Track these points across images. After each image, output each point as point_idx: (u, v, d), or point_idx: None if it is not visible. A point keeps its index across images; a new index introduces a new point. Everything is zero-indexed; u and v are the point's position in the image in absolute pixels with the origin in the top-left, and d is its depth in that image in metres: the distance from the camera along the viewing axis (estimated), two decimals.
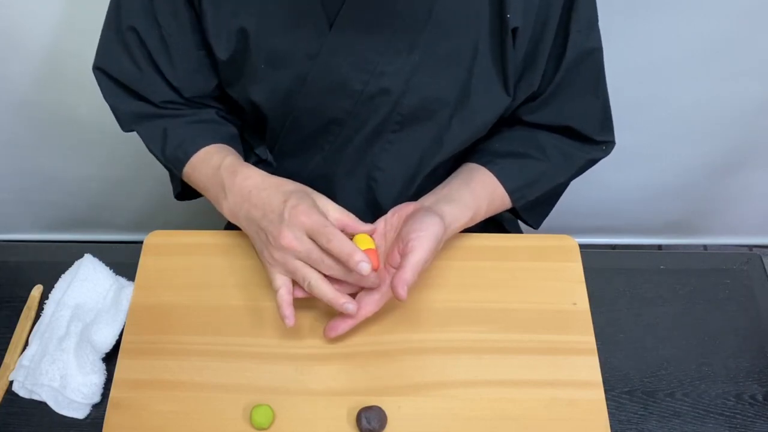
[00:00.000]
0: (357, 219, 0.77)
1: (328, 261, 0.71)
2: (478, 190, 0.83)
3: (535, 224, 0.96)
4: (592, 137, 0.87)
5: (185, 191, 0.94)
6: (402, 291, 0.70)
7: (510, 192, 0.85)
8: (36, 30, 1.11)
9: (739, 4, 1.08)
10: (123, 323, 0.78)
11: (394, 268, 0.74)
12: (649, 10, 1.09)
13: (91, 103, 0.99)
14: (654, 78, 1.20)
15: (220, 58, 0.80)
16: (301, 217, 0.71)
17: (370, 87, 0.79)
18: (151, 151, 0.87)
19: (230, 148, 0.85)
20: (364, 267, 0.68)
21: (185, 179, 0.86)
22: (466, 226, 0.81)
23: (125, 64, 0.82)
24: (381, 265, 0.76)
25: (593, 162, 0.90)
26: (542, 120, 0.86)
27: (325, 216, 0.73)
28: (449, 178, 0.87)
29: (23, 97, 1.23)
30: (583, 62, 0.81)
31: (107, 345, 0.77)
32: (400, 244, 0.74)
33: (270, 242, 0.73)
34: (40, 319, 0.81)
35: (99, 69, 0.85)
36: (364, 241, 0.77)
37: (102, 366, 0.76)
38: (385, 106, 0.80)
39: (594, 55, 0.82)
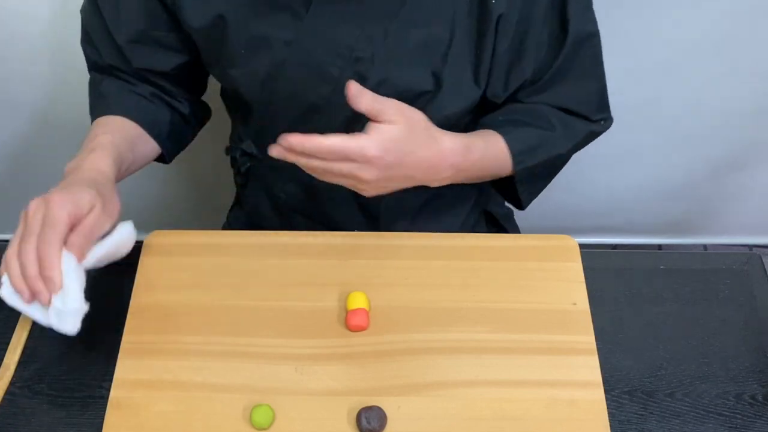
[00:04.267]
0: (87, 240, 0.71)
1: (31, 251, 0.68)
2: (486, 136, 0.82)
3: (526, 201, 0.92)
4: (588, 117, 0.87)
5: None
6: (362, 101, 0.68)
7: (514, 154, 0.83)
8: (35, 30, 1.11)
9: (738, 4, 1.08)
10: (110, 247, 0.75)
11: None
12: (648, 10, 1.09)
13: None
14: (654, 78, 1.20)
15: (194, 26, 0.80)
16: (53, 197, 0.69)
17: (347, 73, 0.79)
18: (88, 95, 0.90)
19: (132, 129, 0.86)
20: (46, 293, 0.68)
21: None
22: (460, 152, 0.76)
23: (89, 18, 0.85)
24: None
25: (594, 135, 0.89)
26: (542, 101, 0.86)
27: (78, 215, 0.70)
28: None
29: (23, 98, 1.23)
30: (582, 46, 0.82)
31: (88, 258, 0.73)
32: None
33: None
34: None
35: (81, 15, 0.87)
36: (358, 300, 0.78)
37: (82, 273, 0.72)
38: None
39: (593, 40, 0.82)
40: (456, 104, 0.83)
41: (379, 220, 0.95)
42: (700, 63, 1.18)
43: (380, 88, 0.79)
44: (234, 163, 0.99)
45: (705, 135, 1.33)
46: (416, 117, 0.73)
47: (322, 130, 0.84)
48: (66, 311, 0.71)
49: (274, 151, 0.70)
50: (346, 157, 0.68)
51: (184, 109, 0.93)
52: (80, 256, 0.70)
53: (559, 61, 0.81)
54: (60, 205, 0.69)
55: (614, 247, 1.68)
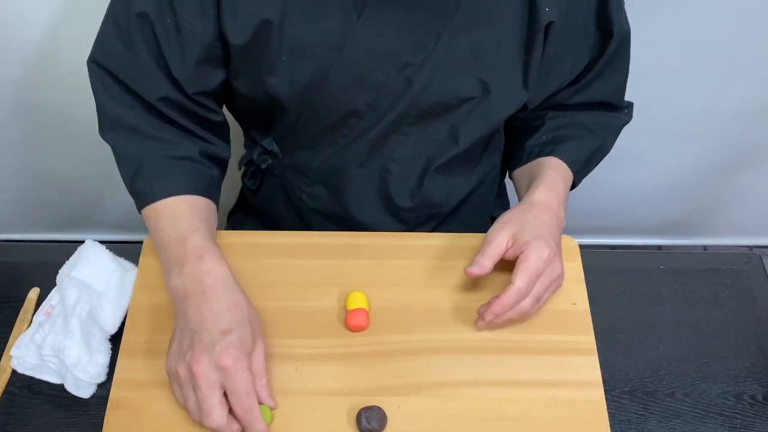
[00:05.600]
0: (266, 380, 0.72)
1: (218, 414, 0.67)
2: (548, 171, 0.85)
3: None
4: (620, 105, 0.92)
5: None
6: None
7: (575, 172, 0.88)
8: (33, 30, 1.11)
9: (738, 4, 1.08)
10: (127, 306, 0.79)
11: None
12: (648, 11, 1.09)
13: (90, 102, 0.99)
14: (654, 79, 1.20)
15: (235, 42, 0.75)
16: (228, 361, 0.67)
17: (393, 79, 0.78)
18: (118, 166, 0.82)
19: (204, 208, 0.80)
20: None
21: (142, 215, 0.80)
22: (559, 191, 0.83)
23: (124, 54, 0.77)
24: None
25: (622, 127, 0.94)
26: (583, 99, 0.89)
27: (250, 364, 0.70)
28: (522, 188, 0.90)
29: (21, 97, 1.23)
30: (624, 44, 0.85)
31: (112, 326, 0.77)
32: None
33: (185, 355, 0.69)
34: (47, 299, 0.81)
35: (94, 62, 0.79)
36: (358, 300, 0.78)
37: (108, 345, 0.77)
38: (406, 100, 0.80)
39: (629, 36, 0.85)
40: (504, 110, 0.83)
41: (407, 225, 0.94)
42: (700, 64, 1.18)
43: (425, 93, 0.79)
44: (251, 163, 0.96)
45: (705, 136, 1.34)
46: (510, 217, 0.79)
47: (358, 134, 0.84)
48: (90, 383, 0.76)
49: (480, 325, 0.77)
50: (534, 280, 0.74)
51: (225, 153, 0.87)
52: (274, 403, 0.72)
53: (604, 61, 0.84)
54: (240, 369, 0.68)
55: (614, 247, 1.68)
